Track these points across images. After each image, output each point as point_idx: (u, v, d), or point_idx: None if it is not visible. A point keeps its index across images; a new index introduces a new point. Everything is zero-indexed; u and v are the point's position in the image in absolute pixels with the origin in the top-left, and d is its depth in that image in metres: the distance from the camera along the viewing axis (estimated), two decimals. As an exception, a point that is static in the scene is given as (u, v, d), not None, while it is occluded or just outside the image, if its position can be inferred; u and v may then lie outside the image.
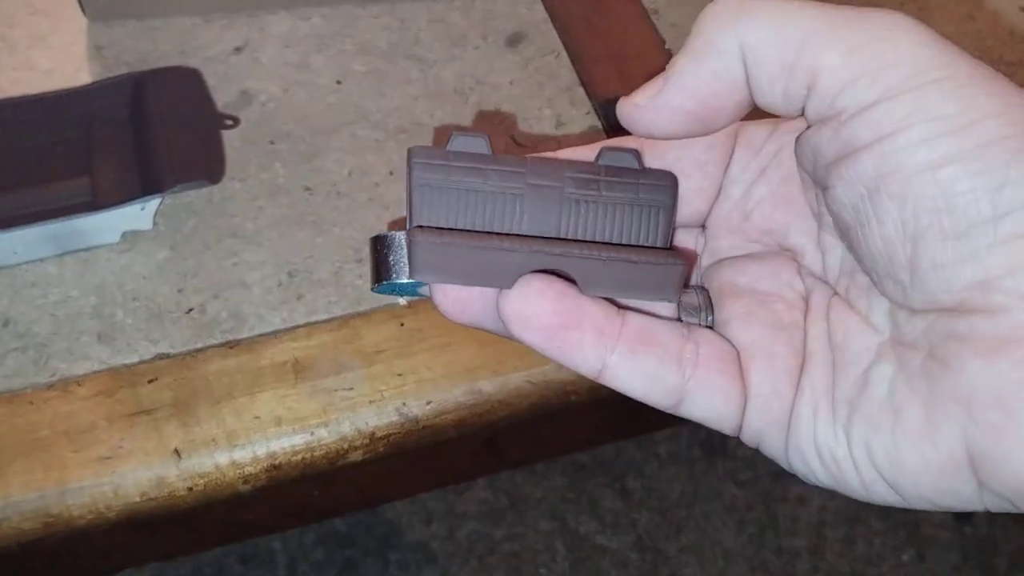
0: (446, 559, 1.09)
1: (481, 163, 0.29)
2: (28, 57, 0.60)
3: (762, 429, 0.28)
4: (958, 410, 0.24)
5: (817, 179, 0.28)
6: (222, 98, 0.58)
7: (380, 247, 0.30)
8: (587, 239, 0.29)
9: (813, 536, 1.16)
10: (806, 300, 0.30)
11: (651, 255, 0.29)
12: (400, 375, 0.48)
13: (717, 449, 1.17)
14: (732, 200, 0.31)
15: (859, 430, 0.26)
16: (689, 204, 0.31)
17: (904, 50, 0.24)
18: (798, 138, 0.29)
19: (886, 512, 1.18)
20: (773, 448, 0.28)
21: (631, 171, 0.30)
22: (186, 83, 0.55)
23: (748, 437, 0.29)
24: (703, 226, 0.32)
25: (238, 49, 0.61)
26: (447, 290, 0.29)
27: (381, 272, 0.30)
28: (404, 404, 0.47)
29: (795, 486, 1.18)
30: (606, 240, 0.29)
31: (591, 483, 1.14)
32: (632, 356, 0.28)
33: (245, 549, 1.06)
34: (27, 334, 0.49)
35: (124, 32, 0.61)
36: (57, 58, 0.60)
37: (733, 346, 0.29)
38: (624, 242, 0.30)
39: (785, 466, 0.29)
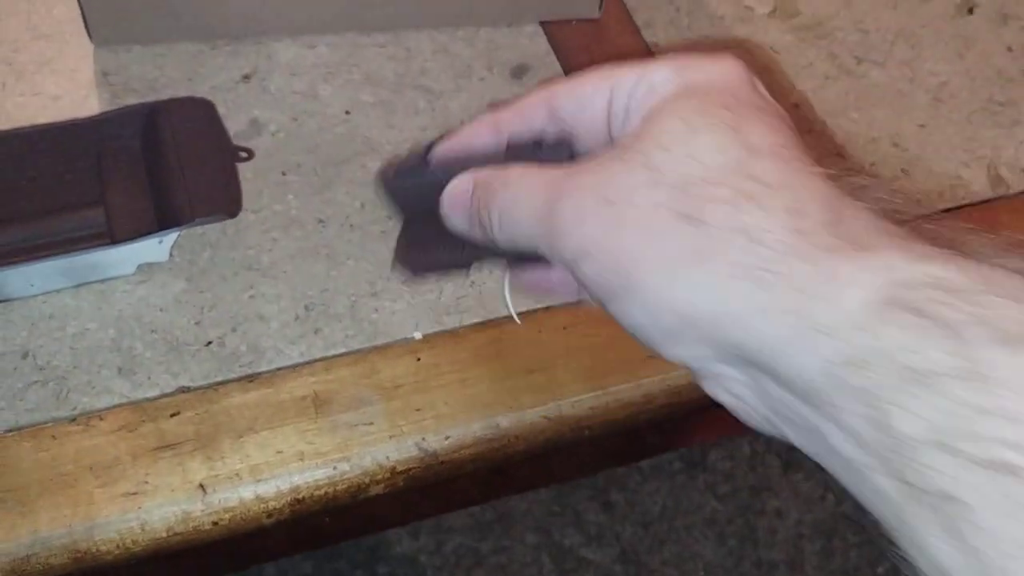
0: (434, 572, 1.10)
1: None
2: (35, 82, 0.60)
3: None
4: None
5: None
6: (232, 127, 0.58)
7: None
8: None
9: (791, 549, 1.18)
10: None
11: None
12: (419, 410, 0.49)
13: (697, 463, 1.19)
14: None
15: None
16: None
17: None
18: None
19: (862, 526, 1.21)
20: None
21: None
22: (200, 113, 0.56)
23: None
24: None
25: (246, 77, 0.62)
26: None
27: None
28: (423, 439, 0.48)
29: (774, 499, 1.20)
30: None
31: (575, 497, 1.16)
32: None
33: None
34: (47, 367, 0.49)
35: (130, 58, 0.62)
36: (64, 84, 0.60)
37: None
38: None
39: None
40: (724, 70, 0.34)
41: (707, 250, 0.29)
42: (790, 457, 1.20)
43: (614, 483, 1.17)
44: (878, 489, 0.27)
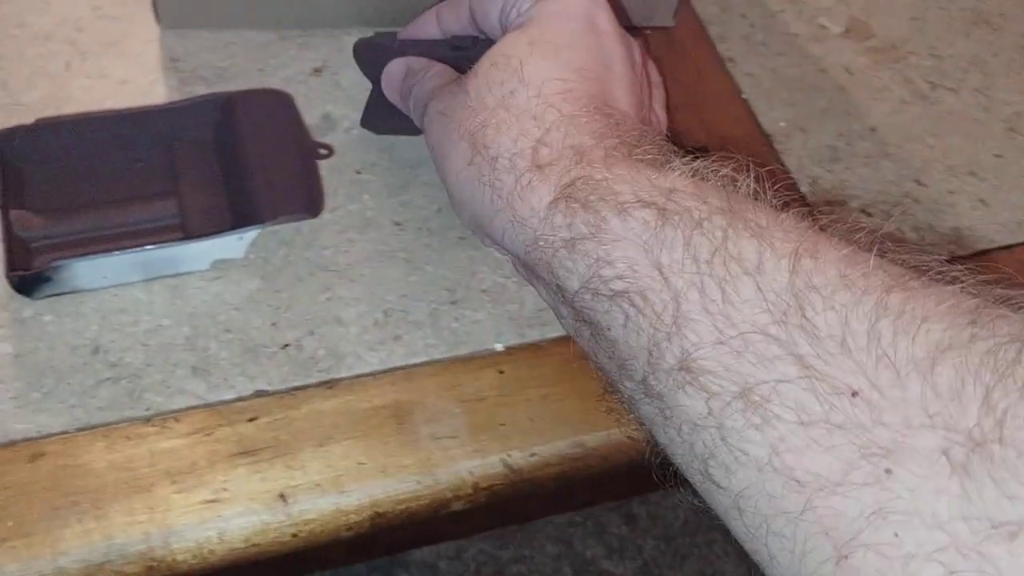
0: (452, 580, 1.09)
1: None
2: (100, 65, 0.58)
3: None
4: None
5: None
6: (304, 121, 0.57)
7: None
8: None
9: (809, 568, 1.17)
10: None
11: None
12: (503, 425, 0.48)
13: (718, 479, 1.18)
14: None
15: None
16: None
17: None
18: None
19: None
20: None
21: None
22: (278, 106, 0.54)
23: None
24: None
25: (317, 70, 0.60)
26: None
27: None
28: (508, 455, 0.47)
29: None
30: None
31: (598, 509, 1.15)
32: None
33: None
34: (119, 363, 0.47)
35: (199, 44, 0.60)
36: (131, 68, 0.58)
37: None
38: None
39: None
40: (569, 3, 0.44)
41: (475, 165, 0.42)
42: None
43: (636, 494, 1.16)
44: (567, 324, 0.40)
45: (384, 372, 0.49)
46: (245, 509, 0.44)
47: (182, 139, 0.53)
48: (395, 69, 0.51)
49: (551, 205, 0.38)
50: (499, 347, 0.50)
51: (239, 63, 0.59)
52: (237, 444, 0.45)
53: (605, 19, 0.45)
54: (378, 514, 0.45)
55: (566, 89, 0.42)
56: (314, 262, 0.52)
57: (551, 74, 0.42)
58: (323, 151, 0.54)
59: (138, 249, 0.48)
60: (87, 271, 0.48)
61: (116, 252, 0.48)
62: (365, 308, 0.50)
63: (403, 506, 0.46)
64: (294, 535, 0.44)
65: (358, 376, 0.48)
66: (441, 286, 0.52)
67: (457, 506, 0.47)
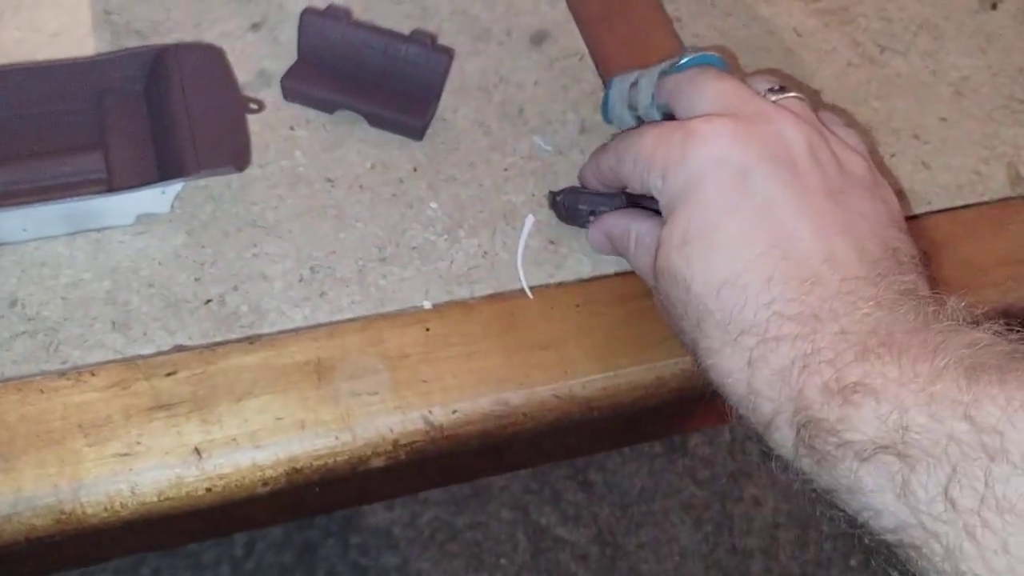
0: (407, 545, 1.09)
1: None
2: (33, 16, 0.57)
3: None
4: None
5: None
6: (239, 78, 0.56)
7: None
8: None
9: (766, 537, 1.18)
10: None
11: None
12: (425, 382, 0.47)
13: (677, 448, 1.18)
14: None
15: None
16: None
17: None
18: None
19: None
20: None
21: None
22: (209, 61, 0.53)
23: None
24: None
25: (255, 26, 0.59)
26: None
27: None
28: (430, 412, 0.47)
29: (752, 487, 1.20)
30: None
31: (554, 475, 1.15)
32: None
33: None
34: (36, 317, 0.46)
35: (135, -2, 0.59)
36: (64, 20, 0.57)
37: None
38: None
39: None
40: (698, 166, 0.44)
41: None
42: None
43: (593, 463, 1.16)
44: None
45: (307, 329, 0.48)
46: (158, 463, 0.43)
47: (112, 92, 0.53)
48: (598, 239, 0.51)
49: (794, 446, 0.37)
50: (427, 304, 0.50)
51: (175, 17, 0.58)
52: (153, 398, 0.45)
53: (755, 156, 0.41)
54: (295, 470, 0.45)
55: (758, 292, 0.39)
56: (242, 218, 0.51)
57: (726, 285, 0.40)
58: (253, 106, 0.54)
59: (58, 201, 0.47)
60: (7, 223, 0.47)
61: (36, 204, 0.47)
62: (291, 264, 0.50)
63: (321, 462, 0.45)
64: (208, 489, 0.44)
65: (280, 332, 0.48)
66: (370, 243, 0.51)
67: (377, 463, 0.46)
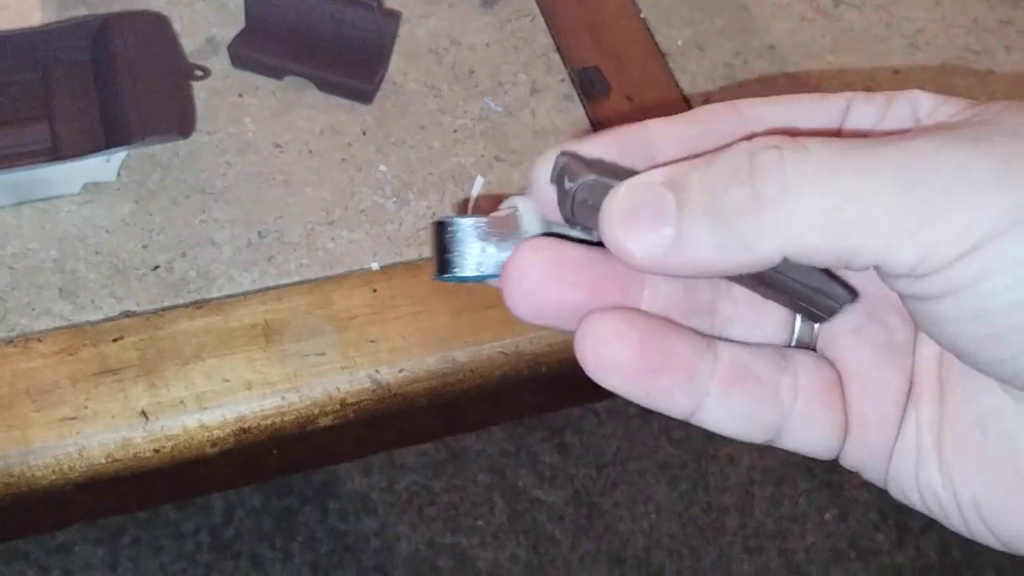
0: (385, 509, 1.10)
1: None
2: (-21, -12, 0.57)
3: (862, 461, 0.26)
4: None
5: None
6: (188, 45, 0.56)
7: (444, 233, 0.27)
8: None
9: (742, 494, 1.19)
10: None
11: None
12: (373, 342, 0.48)
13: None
14: None
15: (968, 479, 0.24)
16: None
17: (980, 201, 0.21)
18: None
19: (812, 473, 1.22)
20: (873, 476, 0.27)
21: None
22: (154, 28, 0.53)
23: (846, 464, 0.26)
24: None
25: (204, -7, 0.59)
26: (522, 290, 0.25)
27: (444, 263, 0.27)
28: (377, 371, 0.47)
29: (726, 445, 1.21)
30: None
31: (530, 438, 1.16)
32: (727, 397, 0.25)
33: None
34: (-15, 286, 0.47)
35: (82, -33, 0.59)
36: (11, -9, 0.57)
37: (836, 370, 0.26)
38: None
39: (883, 487, 0.27)
40: None
41: None
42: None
43: (569, 425, 1.17)
44: None
45: (255, 292, 0.49)
46: (106, 426, 0.44)
47: (59, 62, 0.53)
48: None
49: None
50: (375, 266, 0.50)
51: (122, -14, 0.58)
52: (101, 363, 0.45)
53: None
54: (243, 430, 0.46)
55: None
56: (190, 185, 0.51)
57: None
58: (199, 73, 0.54)
59: (2, 171, 0.47)
60: (-48, 194, 0.47)
61: (-20, 174, 0.47)
62: (240, 230, 0.50)
63: (268, 422, 0.46)
64: (156, 451, 0.45)
65: (228, 296, 0.48)
66: (319, 207, 0.52)
67: (325, 422, 0.47)
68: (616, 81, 0.59)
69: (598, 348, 0.24)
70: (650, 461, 1.19)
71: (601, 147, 0.25)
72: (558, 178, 0.25)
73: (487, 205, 0.29)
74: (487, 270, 0.27)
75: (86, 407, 0.44)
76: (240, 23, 0.56)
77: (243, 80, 0.55)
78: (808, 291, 0.24)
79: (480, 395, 0.51)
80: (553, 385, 0.60)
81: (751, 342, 0.26)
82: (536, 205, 0.26)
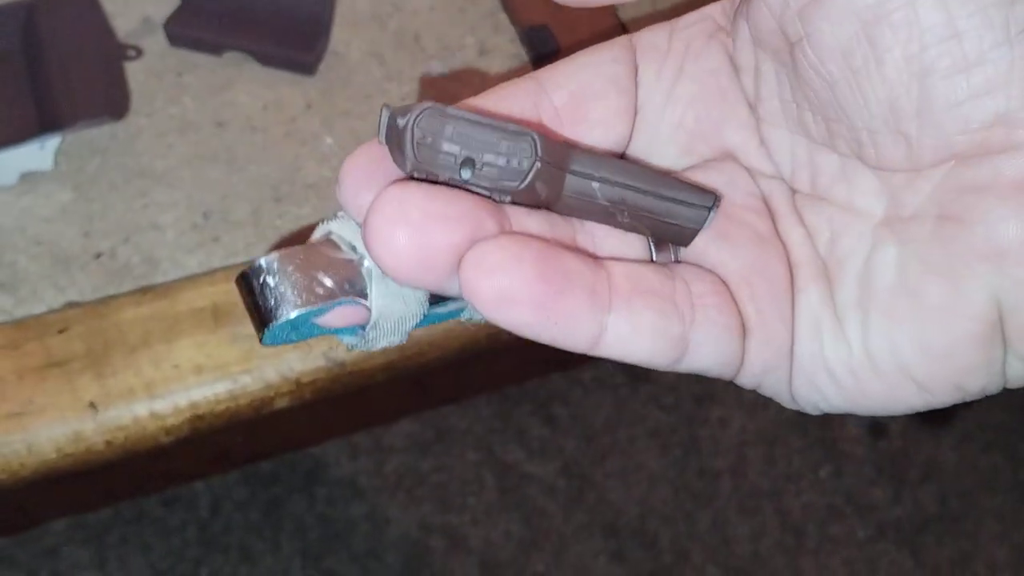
0: (374, 493, 1.09)
1: None
2: (-95, -18, 0.55)
3: (766, 363, 0.24)
4: (985, 268, 0.22)
5: (787, 34, 0.23)
6: (123, 26, 0.54)
7: (254, 283, 0.23)
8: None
9: (734, 456, 1.18)
10: (768, 205, 0.26)
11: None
12: (325, 318, 0.46)
13: (640, 375, 1.18)
14: (654, 111, 0.27)
15: (877, 328, 0.23)
16: (612, 128, 0.26)
17: None
18: None
19: (805, 430, 1.21)
20: (776, 383, 0.25)
21: None
22: (82, 11, 0.52)
23: (749, 378, 0.25)
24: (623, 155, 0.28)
25: (138, -27, 0.57)
26: (401, 236, 0.21)
27: (265, 315, 0.23)
28: (331, 348, 0.46)
29: (717, 409, 1.20)
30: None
31: (517, 412, 1.15)
32: (632, 312, 0.23)
33: (166, 492, 1.04)
34: (-79, 285, 0.45)
35: (11, -45, 0.57)
36: (-62, -17, 0.55)
37: (718, 275, 0.25)
38: None
39: (788, 402, 0.25)
40: None
41: None
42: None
43: (557, 397, 1.16)
44: None
45: (202, 275, 0.47)
46: (54, 420, 0.43)
47: (-12, 52, 0.51)
48: None
49: None
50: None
51: (53, -29, 0.57)
52: (46, 356, 0.44)
53: None
54: (197, 416, 0.44)
55: None
56: (130, 169, 0.50)
57: None
58: (131, 53, 0.52)
59: (-68, 166, 0.46)
60: None
61: (-90, 171, 0.46)
62: (183, 212, 0.49)
63: (223, 407, 0.45)
64: (108, 443, 0.43)
65: (174, 281, 0.47)
66: (265, 184, 0.50)
67: (281, 404, 0.46)
68: (566, 40, 0.58)
69: (494, 277, 0.21)
70: (640, 429, 1.18)
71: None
72: (387, 133, 0.22)
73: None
74: (329, 302, 0.22)
75: (32, 402, 0.43)
76: (176, 1, 0.55)
77: (181, 59, 0.54)
78: (666, 222, 0.24)
79: (442, 368, 0.50)
80: (521, 357, 0.59)
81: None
82: (353, 225, 0.23)
